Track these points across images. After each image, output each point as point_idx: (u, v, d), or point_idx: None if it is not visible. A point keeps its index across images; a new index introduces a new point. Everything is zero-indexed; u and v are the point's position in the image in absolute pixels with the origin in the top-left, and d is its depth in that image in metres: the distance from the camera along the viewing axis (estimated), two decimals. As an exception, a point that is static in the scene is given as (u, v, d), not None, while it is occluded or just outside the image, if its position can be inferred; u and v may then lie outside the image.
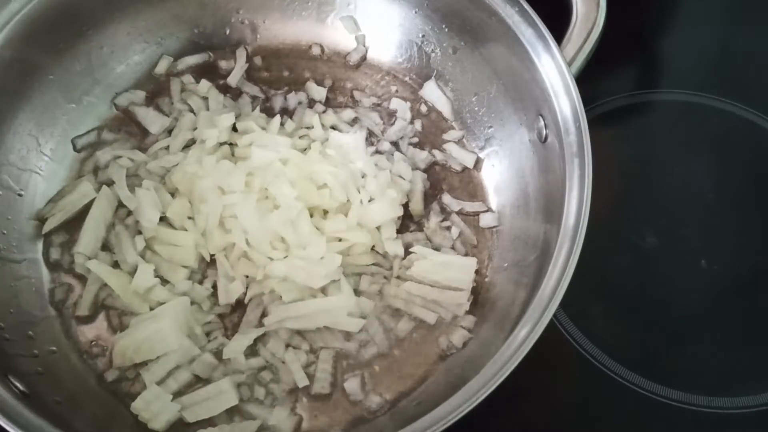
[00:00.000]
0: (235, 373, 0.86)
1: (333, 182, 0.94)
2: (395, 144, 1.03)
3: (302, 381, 0.86)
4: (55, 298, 0.90)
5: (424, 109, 1.06)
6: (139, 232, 0.93)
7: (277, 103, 1.06)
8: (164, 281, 0.91)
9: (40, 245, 0.93)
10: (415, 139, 1.04)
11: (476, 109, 1.03)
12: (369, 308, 0.90)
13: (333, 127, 1.03)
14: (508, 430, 0.90)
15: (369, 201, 0.95)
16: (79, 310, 0.90)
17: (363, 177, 0.97)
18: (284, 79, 1.08)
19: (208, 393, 0.84)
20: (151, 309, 0.89)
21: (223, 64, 1.08)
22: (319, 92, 1.06)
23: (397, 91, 1.07)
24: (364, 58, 1.09)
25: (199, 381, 0.86)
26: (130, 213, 0.94)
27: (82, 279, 0.92)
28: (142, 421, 0.83)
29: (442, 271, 0.91)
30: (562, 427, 0.92)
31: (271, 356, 0.87)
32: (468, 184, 1.01)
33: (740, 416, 0.90)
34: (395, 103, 1.06)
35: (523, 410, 0.91)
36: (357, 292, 0.91)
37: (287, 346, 0.88)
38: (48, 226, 0.93)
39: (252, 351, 0.88)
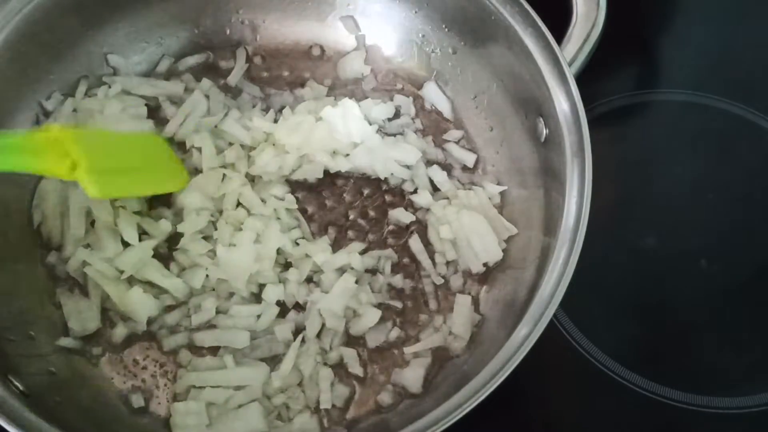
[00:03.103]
0: (264, 396, 0.86)
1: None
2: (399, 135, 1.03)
3: (326, 403, 0.85)
4: (56, 298, 0.90)
5: (423, 108, 1.06)
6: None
7: (277, 103, 1.05)
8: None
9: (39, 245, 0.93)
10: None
11: (476, 109, 1.03)
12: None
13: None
14: (508, 430, 0.90)
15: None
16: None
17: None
18: (284, 79, 1.08)
19: (237, 416, 0.83)
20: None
21: (223, 64, 1.07)
22: (320, 92, 1.06)
23: (397, 91, 1.07)
24: (364, 59, 1.09)
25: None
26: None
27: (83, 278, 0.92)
28: (144, 421, 0.83)
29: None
30: (562, 427, 0.92)
31: (299, 374, 0.87)
32: (467, 184, 1.01)
33: (740, 416, 0.90)
34: (398, 100, 1.06)
35: (523, 410, 0.91)
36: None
37: (318, 362, 0.88)
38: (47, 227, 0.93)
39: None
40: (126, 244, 0.91)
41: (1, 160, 0.77)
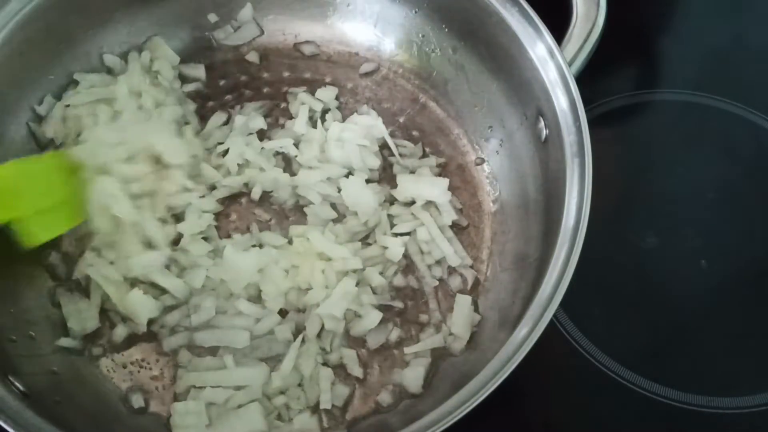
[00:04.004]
0: (264, 396, 0.85)
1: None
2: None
3: (326, 403, 0.85)
4: (56, 298, 0.90)
5: (424, 108, 1.06)
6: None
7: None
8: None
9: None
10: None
11: (476, 108, 1.03)
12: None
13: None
14: (508, 430, 0.90)
15: None
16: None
17: None
18: (284, 79, 1.08)
19: (237, 416, 0.83)
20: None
21: (223, 64, 1.07)
22: (321, 93, 1.06)
23: (398, 90, 1.07)
24: (364, 58, 1.09)
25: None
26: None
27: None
28: (144, 421, 0.83)
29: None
30: (562, 427, 0.92)
31: (299, 374, 0.87)
32: (468, 183, 1.01)
33: (740, 416, 0.90)
34: (399, 99, 1.06)
35: (523, 410, 0.91)
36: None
37: (318, 362, 0.87)
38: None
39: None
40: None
41: None
